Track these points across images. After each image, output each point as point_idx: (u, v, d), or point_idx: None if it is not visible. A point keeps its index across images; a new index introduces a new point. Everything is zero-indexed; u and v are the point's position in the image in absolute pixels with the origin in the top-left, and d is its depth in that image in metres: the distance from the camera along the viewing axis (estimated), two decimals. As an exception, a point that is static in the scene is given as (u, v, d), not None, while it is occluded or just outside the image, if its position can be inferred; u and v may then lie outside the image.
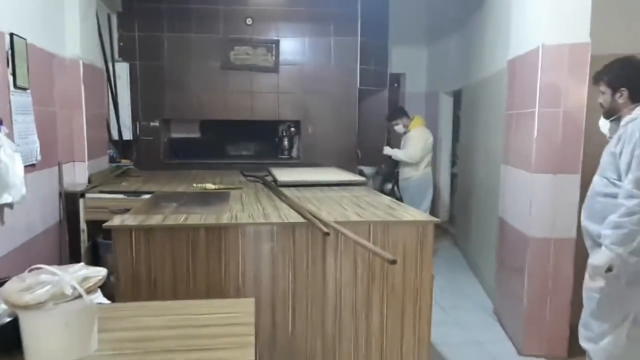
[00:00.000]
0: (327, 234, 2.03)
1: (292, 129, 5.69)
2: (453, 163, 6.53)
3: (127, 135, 4.75)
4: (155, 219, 2.30)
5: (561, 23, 2.77)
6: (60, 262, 3.16)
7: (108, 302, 1.31)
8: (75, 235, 3.22)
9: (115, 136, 4.56)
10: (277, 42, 5.30)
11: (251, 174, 4.20)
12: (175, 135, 5.61)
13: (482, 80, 4.60)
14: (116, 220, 2.26)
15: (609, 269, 2.14)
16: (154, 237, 2.22)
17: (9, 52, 2.45)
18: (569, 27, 2.75)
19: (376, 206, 2.81)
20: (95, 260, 3.32)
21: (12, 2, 2.56)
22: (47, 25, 3.09)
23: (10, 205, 2.38)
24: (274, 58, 5.32)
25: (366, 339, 2.39)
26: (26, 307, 1.15)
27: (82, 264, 1.31)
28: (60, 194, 3.15)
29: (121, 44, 4.90)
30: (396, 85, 7.09)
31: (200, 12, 5.13)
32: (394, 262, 1.66)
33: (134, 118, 4.94)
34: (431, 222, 2.38)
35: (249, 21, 5.23)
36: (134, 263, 2.22)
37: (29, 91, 2.69)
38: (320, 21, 5.31)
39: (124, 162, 4.45)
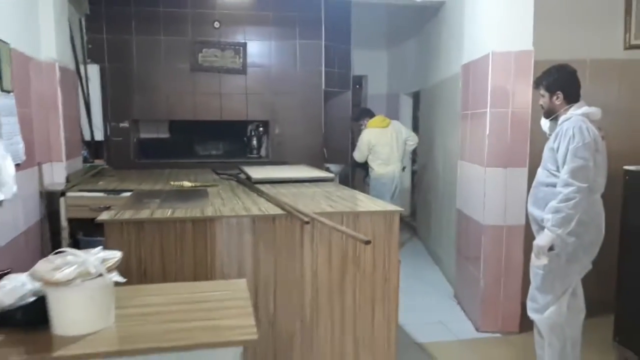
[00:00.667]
0: (307, 222, 2.25)
1: (261, 128, 5.87)
2: (414, 161, 6.88)
3: (99, 135, 4.82)
4: (144, 213, 2.46)
5: (508, 32, 3.11)
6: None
7: (124, 279, 1.48)
8: (56, 233, 3.31)
9: (87, 137, 4.62)
10: (244, 45, 5.47)
11: (224, 172, 4.37)
12: (145, 135, 5.69)
13: (439, 82, 4.93)
14: (106, 215, 2.40)
15: (551, 248, 2.46)
16: (144, 230, 2.38)
17: (-5, 56, 2.55)
18: (514, 36, 3.09)
19: (346, 199, 3.06)
20: (75, 257, 3.42)
21: (-5, 7, 2.66)
22: (24, 29, 3.17)
23: (0, 203, 2.48)
24: (241, 60, 5.49)
25: (341, 319, 2.63)
26: (57, 284, 1.32)
27: (99, 247, 1.48)
28: (40, 193, 3.23)
29: (90, 46, 4.95)
30: (358, 86, 7.39)
31: (168, 15, 5.24)
32: (368, 242, 1.90)
33: (105, 119, 5.01)
34: (397, 211, 2.64)
35: (216, 24, 5.37)
36: (124, 255, 2.36)
37: (12, 94, 2.78)
38: (285, 25, 5.52)
39: (98, 162, 4.53)
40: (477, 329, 3.38)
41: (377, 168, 5.17)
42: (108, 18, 5.06)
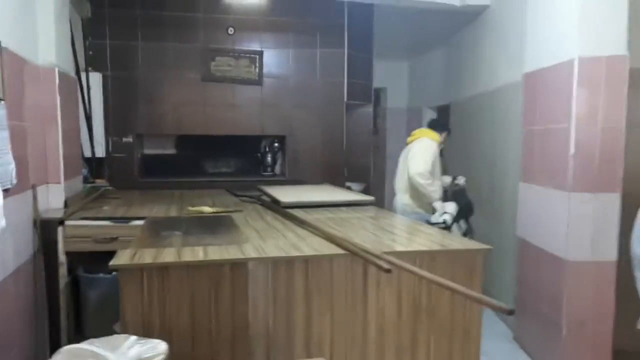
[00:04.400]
0: (389, 270, 1.73)
1: (276, 144, 5.37)
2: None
3: (100, 152, 4.28)
4: (169, 253, 1.93)
5: (595, 35, 2.63)
6: (36, 303, 2.68)
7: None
8: (52, 270, 2.76)
9: (88, 153, 4.08)
10: (260, 53, 4.99)
11: (244, 194, 3.85)
12: (149, 151, 5.16)
13: (479, 94, 4.47)
14: (123, 257, 1.86)
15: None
16: (169, 277, 1.85)
17: (-18, 54, 2.03)
18: (604, 38, 2.61)
19: (405, 229, 2.56)
20: (76, 297, 2.87)
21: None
22: (18, 27, 2.66)
23: (-17, 241, 1.94)
24: (257, 70, 5.00)
25: (412, 385, 2.11)
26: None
27: (134, 337, 0.96)
28: (34, 222, 2.69)
29: (91, 52, 4.44)
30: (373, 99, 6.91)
31: (178, 19, 4.75)
32: (511, 312, 1.37)
33: (106, 133, 4.48)
34: (482, 250, 2.14)
35: (230, 31, 4.89)
36: (143, 310, 1.83)
37: (2, 103, 2.26)
38: (306, 32, 5.05)
39: (99, 181, 3.99)
40: (556, 383, 2.85)
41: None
42: (111, 22, 4.55)
